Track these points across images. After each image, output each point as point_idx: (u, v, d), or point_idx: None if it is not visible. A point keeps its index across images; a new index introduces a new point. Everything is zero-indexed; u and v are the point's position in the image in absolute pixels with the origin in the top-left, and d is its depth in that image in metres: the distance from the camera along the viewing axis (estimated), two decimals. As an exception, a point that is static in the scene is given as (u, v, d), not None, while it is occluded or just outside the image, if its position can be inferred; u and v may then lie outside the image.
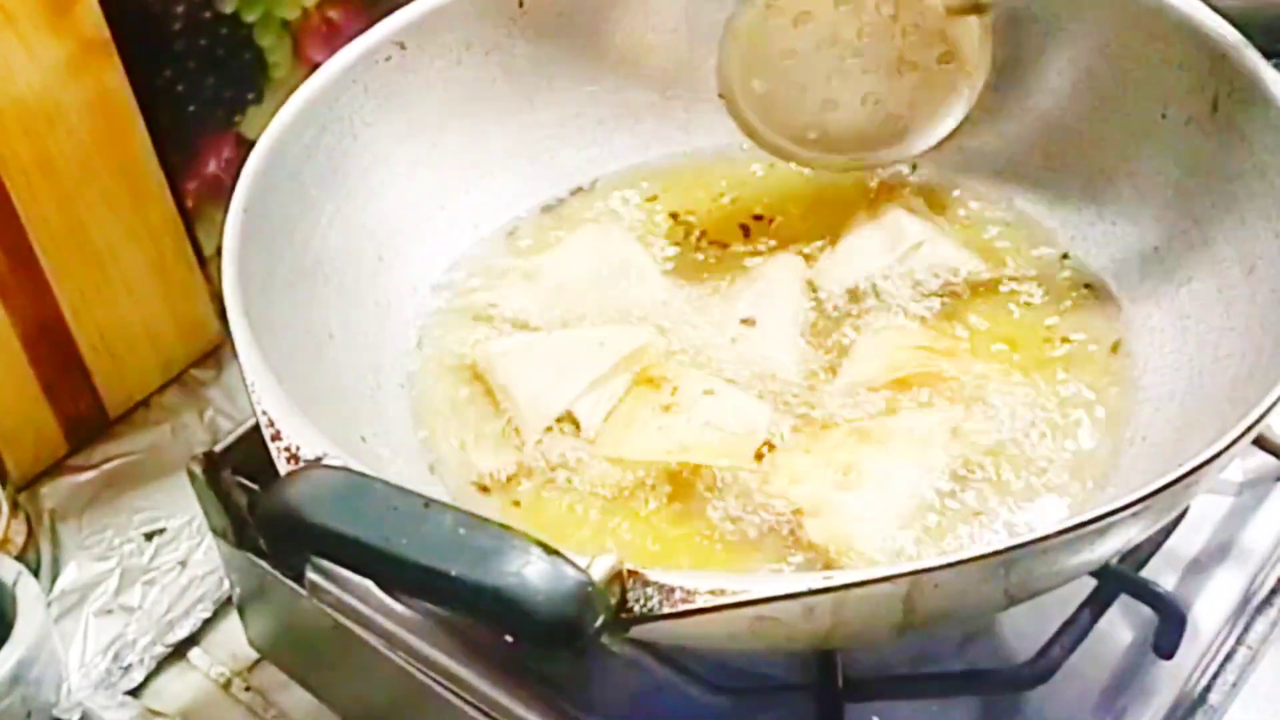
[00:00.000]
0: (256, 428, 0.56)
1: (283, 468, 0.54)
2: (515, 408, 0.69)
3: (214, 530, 0.73)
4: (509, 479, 0.67)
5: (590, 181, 0.81)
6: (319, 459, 0.53)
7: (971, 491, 0.64)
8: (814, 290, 0.74)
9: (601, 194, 0.81)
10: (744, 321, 0.72)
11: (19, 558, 0.78)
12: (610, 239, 0.78)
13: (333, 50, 0.73)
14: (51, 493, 0.86)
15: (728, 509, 0.64)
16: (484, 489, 0.67)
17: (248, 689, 0.77)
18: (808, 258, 0.76)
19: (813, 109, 0.78)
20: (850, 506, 0.63)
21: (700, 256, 0.77)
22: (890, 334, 0.72)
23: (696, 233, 0.79)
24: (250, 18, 0.86)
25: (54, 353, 0.84)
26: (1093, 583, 0.63)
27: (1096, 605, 0.62)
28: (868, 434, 0.66)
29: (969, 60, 0.76)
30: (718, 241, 0.78)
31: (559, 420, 0.68)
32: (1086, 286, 0.74)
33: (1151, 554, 0.66)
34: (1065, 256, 0.75)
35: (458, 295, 0.76)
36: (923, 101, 0.77)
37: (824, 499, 0.63)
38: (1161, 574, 0.67)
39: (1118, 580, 0.64)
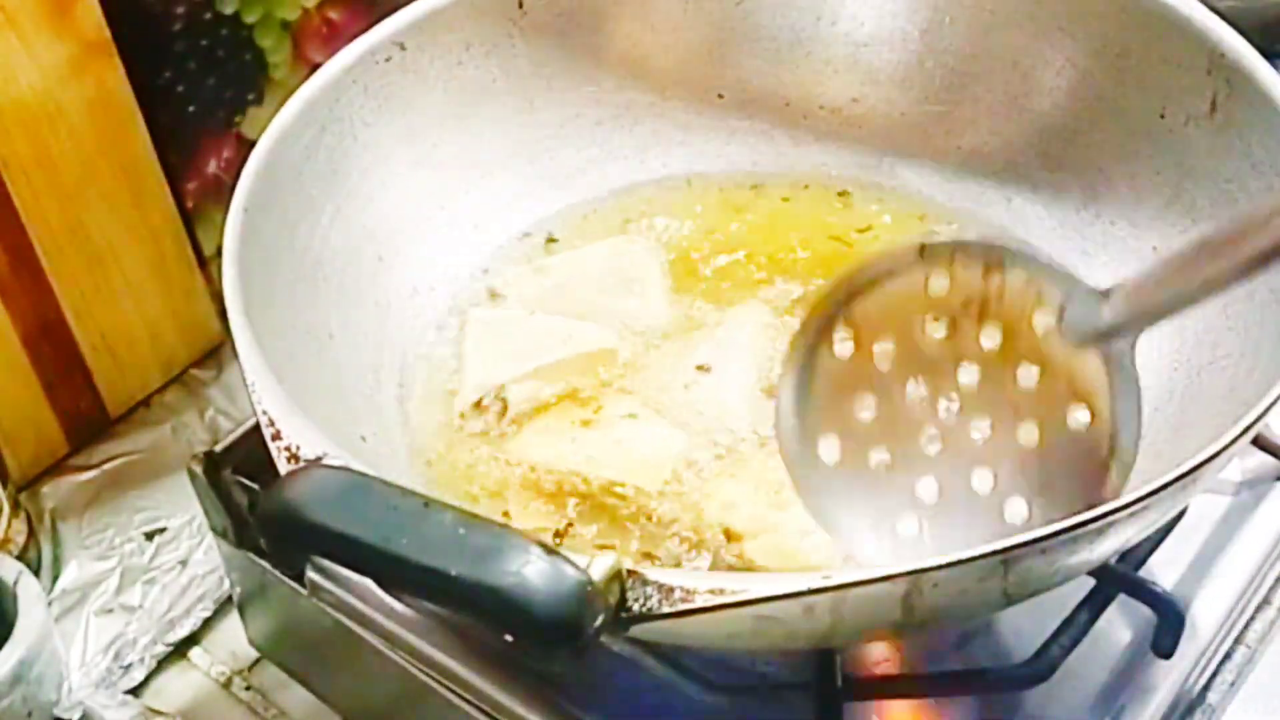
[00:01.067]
0: (256, 427, 0.56)
1: (283, 468, 0.54)
2: (461, 372, 0.72)
3: (214, 530, 0.73)
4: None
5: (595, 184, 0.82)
6: (319, 459, 0.53)
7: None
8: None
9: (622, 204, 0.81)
10: (699, 368, 0.71)
11: (20, 557, 0.79)
12: (631, 250, 0.78)
13: (333, 50, 0.73)
14: (52, 492, 0.86)
15: (649, 533, 0.64)
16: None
17: (248, 688, 0.77)
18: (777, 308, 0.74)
19: (905, 489, 0.56)
20: (790, 523, 0.62)
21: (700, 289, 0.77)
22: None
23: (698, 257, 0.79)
24: (251, 18, 0.86)
25: (55, 352, 0.84)
26: (1091, 582, 0.63)
27: (1095, 605, 0.63)
28: None
29: (1104, 410, 0.54)
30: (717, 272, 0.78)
31: (496, 396, 0.70)
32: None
33: (1150, 553, 0.66)
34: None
35: (469, 280, 0.77)
36: (1054, 482, 0.55)
37: (761, 520, 0.63)
38: (1160, 573, 0.67)
39: (1116, 580, 0.64)
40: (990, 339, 0.55)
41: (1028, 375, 0.54)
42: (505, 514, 0.66)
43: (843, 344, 0.56)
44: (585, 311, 0.75)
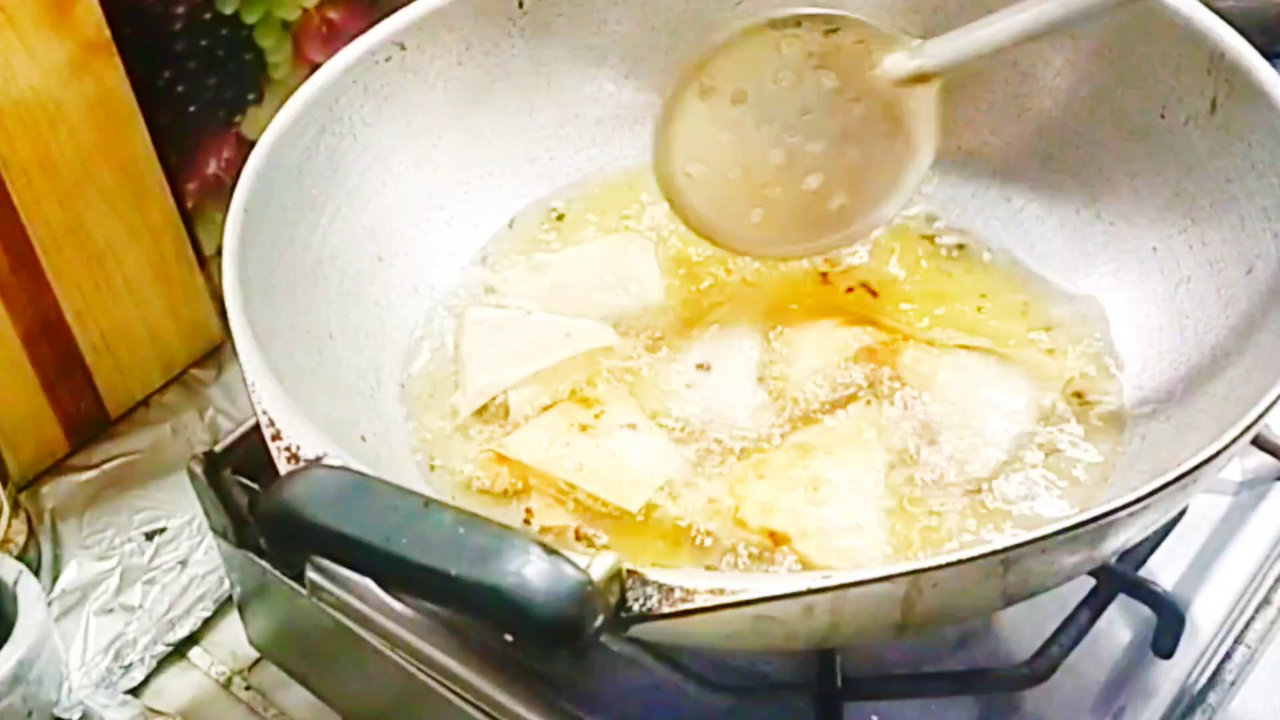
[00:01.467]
0: (256, 427, 0.56)
1: (283, 468, 0.54)
2: (461, 379, 0.71)
3: (214, 530, 0.73)
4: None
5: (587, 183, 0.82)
6: (319, 459, 0.53)
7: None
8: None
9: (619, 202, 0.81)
10: (699, 366, 0.71)
11: (20, 557, 0.79)
12: (629, 249, 0.78)
13: (333, 50, 0.73)
14: (52, 492, 0.86)
15: (704, 548, 0.64)
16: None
17: (248, 688, 0.77)
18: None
19: (753, 193, 0.72)
20: (835, 520, 0.63)
21: (697, 287, 0.77)
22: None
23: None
24: (251, 19, 0.86)
25: (55, 352, 0.84)
26: (1091, 582, 0.63)
27: (1095, 604, 0.63)
28: (807, 447, 0.66)
29: (915, 135, 0.71)
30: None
31: (498, 402, 0.70)
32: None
33: (1150, 553, 0.66)
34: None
35: (466, 279, 0.77)
36: (867, 182, 0.72)
37: (806, 520, 0.63)
38: (1160, 573, 0.67)
39: (1116, 579, 0.64)
40: (828, 82, 0.70)
41: (856, 109, 0.70)
42: (529, 511, 0.66)
43: (706, 92, 0.70)
44: (583, 309, 0.74)
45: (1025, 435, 0.67)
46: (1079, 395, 0.69)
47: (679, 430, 0.68)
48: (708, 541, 0.63)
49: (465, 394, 0.70)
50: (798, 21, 0.68)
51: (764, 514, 0.64)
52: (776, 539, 0.63)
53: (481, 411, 0.70)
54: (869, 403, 0.68)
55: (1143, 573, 0.65)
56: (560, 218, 0.80)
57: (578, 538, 0.64)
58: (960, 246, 0.77)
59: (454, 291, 0.76)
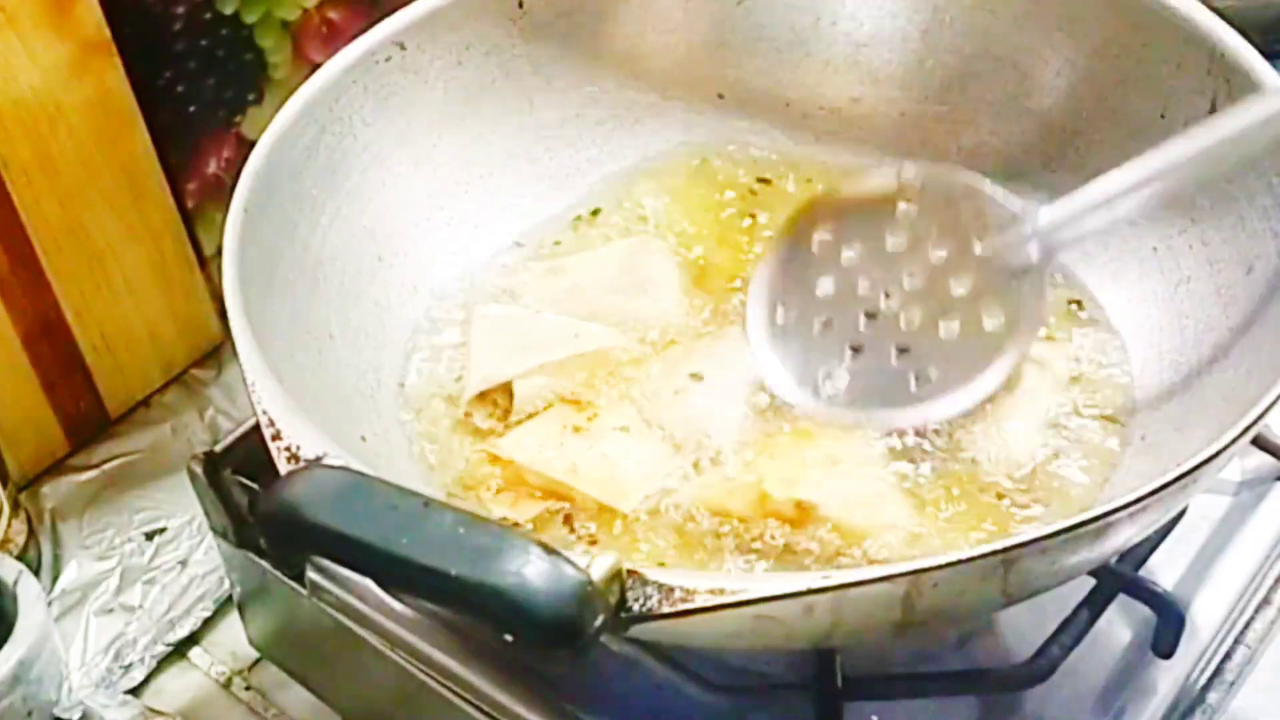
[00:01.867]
0: (256, 427, 0.56)
1: (283, 468, 0.54)
2: (468, 366, 0.71)
3: (214, 530, 0.73)
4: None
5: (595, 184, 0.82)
6: (319, 459, 0.53)
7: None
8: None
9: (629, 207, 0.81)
10: (692, 375, 0.71)
11: (20, 557, 0.79)
12: (648, 252, 0.78)
13: (333, 50, 0.73)
14: (52, 492, 0.86)
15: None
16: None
17: (248, 688, 0.77)
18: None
19: (836, 352, 0.66)
20: (857, 488, 0.64)
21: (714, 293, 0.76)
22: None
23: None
24: (251, 18, 0.86)
25: (55, 352, 0.84)
26: (1091, 582, 0.63)
27: (1095, 604, 0.63)
28: (808, 433, 0.67)
29: (1020, 320, 0.64)
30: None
31: (502, 390, 0.69)
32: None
33: (1150, 553, 0.66)
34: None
35: (482, 280, 0.77)
36: (959, 363, 0.65)
37: (829, 489, 0.64)
38: (1160, 573, 0.67)
39: (1116, 579, 0.64)
40: (938, 253, 0.66)
41: (960, 285, 0.65)
42: (566, 516, 0.66)
43: (817, 240, 0.67)
44: (597, 311, 0.74)
45: (1037, 418, 0.68)
46: (1078, 380, 0.69)
47: (674, 435, 0.68)
48: (726, 538, 0.64)
49: (469, 380, 0.71)
50: (923, 183, 0.66)
51: (787, 486, 0.64)
52: (803, 509, 0.63)
53: (483, 399, 0.70)
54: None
55: (1143, 573, 0.65)
56: (578, 220, 0.80)
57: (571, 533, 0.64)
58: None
59: (455, 293, 0.76)
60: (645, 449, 0.67)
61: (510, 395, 0.70)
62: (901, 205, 0.66)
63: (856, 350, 0.66)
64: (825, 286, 0.67)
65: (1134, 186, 0.63)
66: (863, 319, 0.66)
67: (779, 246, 0.68)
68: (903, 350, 0.66)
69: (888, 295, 0.66)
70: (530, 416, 0.69)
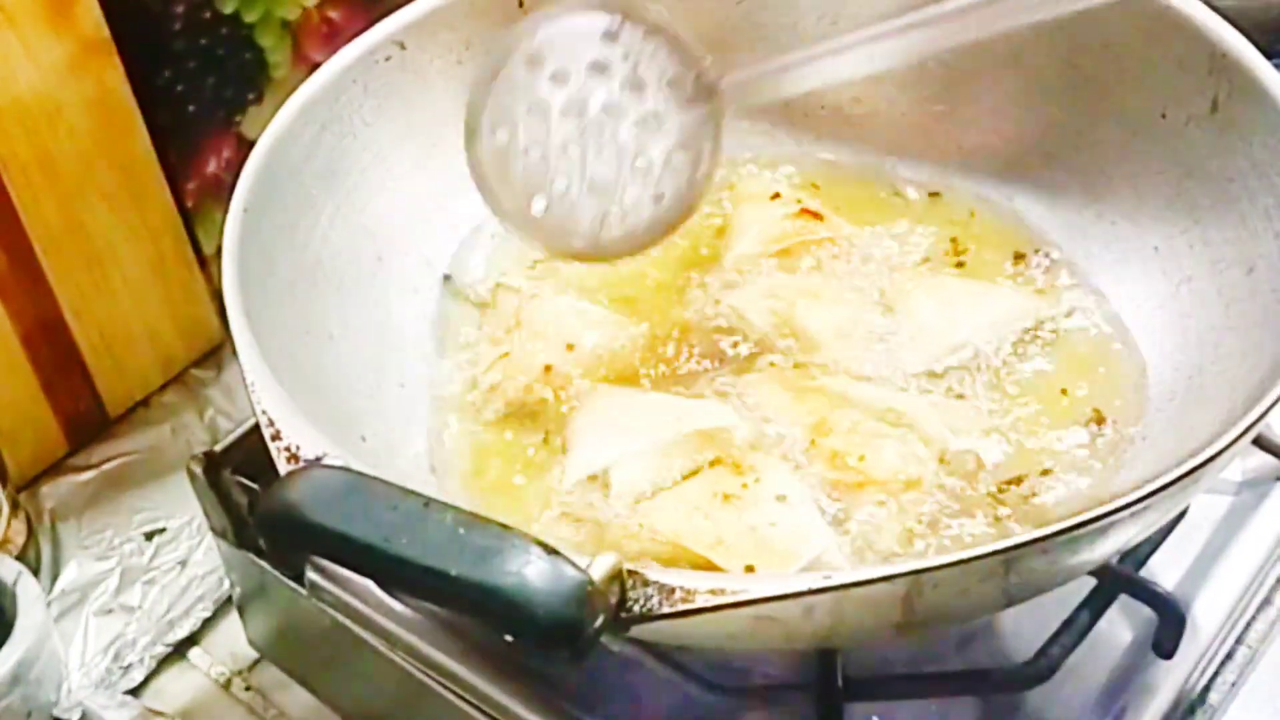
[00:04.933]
0: (256, 428, 0.56)
1: (283, 468, 0.54)
2: (570, 447, 0.68)
3: (214, 530, 0.73)
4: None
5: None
6: (319, 459, 0.53)
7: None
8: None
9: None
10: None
11: (19, 557, 0.79)
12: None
13: (333, 50, 0.73)
14: (52, 492, 0.86)
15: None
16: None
17: (248, 688, 0.77)
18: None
19: (543, 179, 0.70)
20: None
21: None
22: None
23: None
24: (250, 18, 0.86)
25: (54, 352, 0.84)
26: (1092, 582, 0.63)
27: (1096, 605, 0.63)
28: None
29: (699, 150, 0.69)
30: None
31: (592, 478, 0.66)
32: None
33: (1150, 553, 0.66)
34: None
35: (470, 281, 0.77)
36: (646, 193, 0.69)
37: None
38: (1161, 574, 0.67)
39: (1117, 580, 0.64)
40: (633, 90, 0.69)
41: (650, 117, 0.69)
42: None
43: (522, 66, 0.69)
44: (644, 295, 0.75)
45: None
46: (1078, 380, 0.69)
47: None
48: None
49: (569, 465, 0.67)
50: (626, 15, 0.68)
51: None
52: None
53: (590, 481, 0.67)
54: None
55: (1144, 573, 0.65)
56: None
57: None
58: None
59: (454, 293, 0.76)
60: (801, 521, 0.63)
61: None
62: (602, 31, 0.68)
63: (561, 178, 0.70)
64: (537, 109, 0.69)
65: (815, 56, 0.67)
66: (566, 148, 0.69)
67: (486, 76, 0.69)
68: (595, 182, 0.70)
69: (589, 126, 0.69)
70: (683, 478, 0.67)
